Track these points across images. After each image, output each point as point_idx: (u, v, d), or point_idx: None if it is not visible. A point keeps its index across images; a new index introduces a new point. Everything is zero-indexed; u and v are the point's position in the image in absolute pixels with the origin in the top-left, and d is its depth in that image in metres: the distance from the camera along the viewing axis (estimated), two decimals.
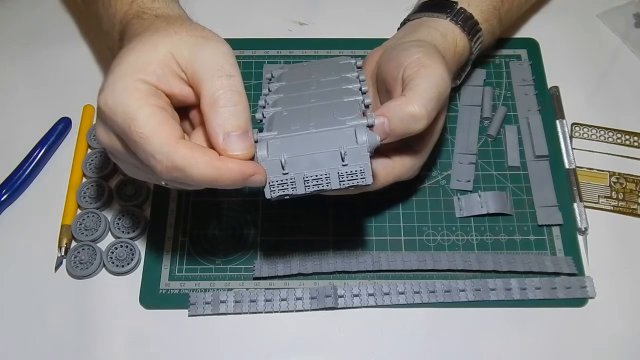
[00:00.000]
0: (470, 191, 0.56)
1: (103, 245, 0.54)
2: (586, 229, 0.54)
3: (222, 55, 0.38)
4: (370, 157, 0.38)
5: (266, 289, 0.52)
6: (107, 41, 0.49)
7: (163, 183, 0.41)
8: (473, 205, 0.55)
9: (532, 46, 0.65)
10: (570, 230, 0.55)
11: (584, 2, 0.68)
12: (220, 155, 0.36)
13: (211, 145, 0.37)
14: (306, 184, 0.38)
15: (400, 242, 0.54)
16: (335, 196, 0.53)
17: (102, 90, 0.37)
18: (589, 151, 0.59)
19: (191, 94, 0.39)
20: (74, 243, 0.54)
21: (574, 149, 0.59)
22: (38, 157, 0.57)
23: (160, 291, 0.52)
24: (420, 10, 0.54)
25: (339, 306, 0.51)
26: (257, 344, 0.50)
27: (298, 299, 0.51)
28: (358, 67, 0.49)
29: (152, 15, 0.44)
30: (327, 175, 0.38)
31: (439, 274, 0.53)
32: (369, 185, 0.38)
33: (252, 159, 0.38)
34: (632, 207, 0.56)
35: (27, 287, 0.53)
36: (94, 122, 0.60)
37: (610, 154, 0.59)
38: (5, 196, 0.56)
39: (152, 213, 0.56)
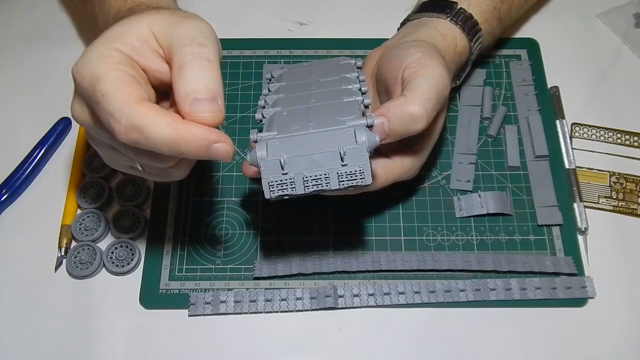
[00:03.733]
0: (470, 191, 0.56)
1: (103, 245, 0.54)
2: (586, 229, 0.54)
3: (197, 27, 0.37)
4: (369, 157, 0.38)
5: (266, 289, 0.52)
6: None
7: (139, 167, 0.40)
8: (473, 205, 0.55)
9: (532, 46, 0.65)
10: (570, 230, 0.55)
11: (584, 2, 0.68)
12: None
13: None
14: (305, 184, 0.38)
15: (400, 242, 0.54)
16: (335, 196, 0.53)
17: (77, 60, 0.37)
18: (589, 151, 0.59)
19: (168, 71, 0.38)
20: (74, 243, 0.54)
21: (574, 149, 0.58)
22: (38, 157, 0.58)
23: (160, 291, 0.52)
24: (420, 10, 0.54)
25: (339, 306, 0.51)
26: (257, 343, 0.50)
27: (298, 299, 0.51)
28: (358, 67, 0.49)
29: (143, 7, 0.44)
30: (327, 176, 0.38)
31: (439, 274, 0.53)
32: (368, 185, 0.38)
33: (249, 153, 0.37)
34: (632, 207, 0.56)
35: (27, 287, 0.53)
36: None
37: (610, 154, 0.59)
38: (5, 196, 0.56)
39: (152, 213, 0.56)
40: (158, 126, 0.34)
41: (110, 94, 0.34)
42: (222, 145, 0.35)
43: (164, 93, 0.41)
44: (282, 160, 0.37)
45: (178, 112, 0.36)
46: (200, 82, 0.35)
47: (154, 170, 0.41)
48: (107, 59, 0.36)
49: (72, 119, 0.59)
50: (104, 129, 0.37)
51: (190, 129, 0.34)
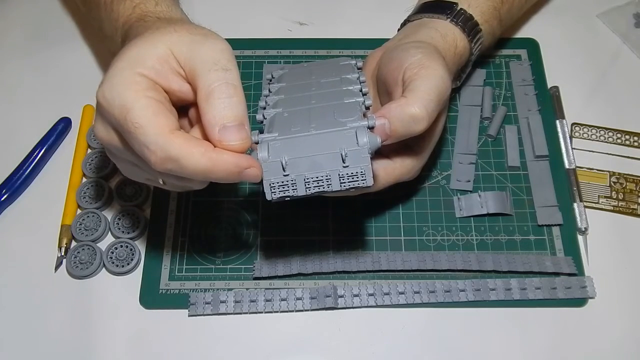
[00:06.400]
0: (470, 191, 0.56)
1: (103, 245, 0.54)
2: (586, 229, 0.54)
3: (219, 50, 0.38)
4: (370, 158, 0.38)
5: (266, 289, 0.52)
6: (110, 45, 0.49)
7: (160, 182, 0.41)
8: (473, 205, 0.55)
9: (532, 46, 0.65)
10: (570, 230, 0.55)
11: (584, 2, 0.68)
12: (215, 147, 0.36)
13: (208, 140, 0.37)
14: (307, 186, 0.38)
15: (400, 242, 0.54)
16: (335, 197, 0.53)
17: (101, 84, 0.38)
18: (589, 151, 0.59)
19: (190, 90, 0.39)
20: (74, 243, 0.54)
21: (574, 149, 0.59)
22: (38, 157, 0.57)
23: (160, 291, 0.52)
24: (420, 11, 0.54)
25: (339, 306, 0.51)
26: (257, 344, 0.50)
27: (298, 299, 0.51)
28: (358, 68, 0.49)
29: (154, 18, 0.44)
30: (328, 177, 0.38)
31: (439, 274, 0.53)
32: (369, 187, 0.38)
33: (250, 153, 0.38)
34: (632, 207, 0.56)
35: (27, 287, 0.53)
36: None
37: (610, 154, 0.59)
38: (5, 196, 0.56)
39: (152, 213, 0.56)
40: (193, 157, 0.35)
41: (144, 126, 0.35)
42: (252, 170, 0.37)
43: (181, 107, 0.41)
44: (284, 162, 0.37)
45: (203, 133, 0.37)
46: (228, 110, 0.36)
47: (176, 186, 0.41)
48: (133, 85, 0.37)
49: (71, 121, 0.60)
50: (131, 152, 0.38)
51: (223, 157, 0.36)
